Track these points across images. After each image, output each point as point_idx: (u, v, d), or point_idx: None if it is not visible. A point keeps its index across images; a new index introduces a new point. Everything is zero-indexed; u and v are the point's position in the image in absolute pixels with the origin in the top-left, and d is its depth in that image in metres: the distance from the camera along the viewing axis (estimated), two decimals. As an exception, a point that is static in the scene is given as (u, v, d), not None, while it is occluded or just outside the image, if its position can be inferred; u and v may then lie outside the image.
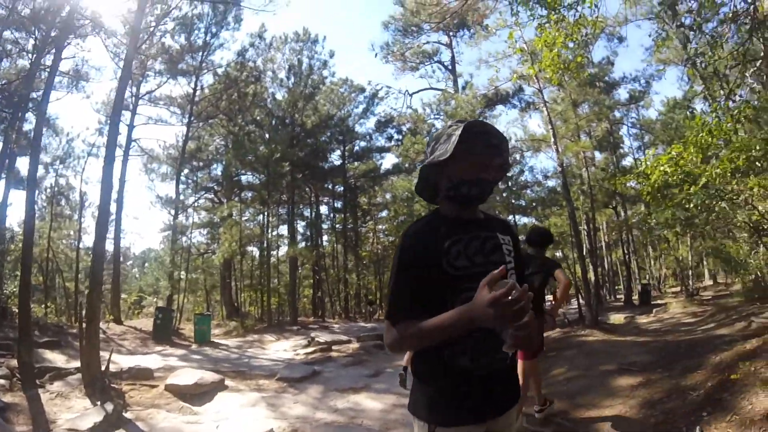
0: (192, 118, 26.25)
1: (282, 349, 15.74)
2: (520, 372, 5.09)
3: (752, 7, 7.24)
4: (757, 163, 8.40)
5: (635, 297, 26.83)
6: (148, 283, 40.66)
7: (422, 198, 1.95)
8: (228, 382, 9.38)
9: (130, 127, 23.66)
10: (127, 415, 6.78)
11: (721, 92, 9.22)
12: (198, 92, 26.53)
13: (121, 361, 10.61)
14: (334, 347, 14.59)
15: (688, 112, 10.06)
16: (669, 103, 29.14)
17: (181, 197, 26.15)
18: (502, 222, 1.95)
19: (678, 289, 30.81)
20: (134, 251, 59.02)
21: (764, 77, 9.71)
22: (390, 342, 1.64)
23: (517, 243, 1.89)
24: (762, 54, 9.07)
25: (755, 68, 8.52)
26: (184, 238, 26.25)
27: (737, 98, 7.95)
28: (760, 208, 9.91)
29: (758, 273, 14.40)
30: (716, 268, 30.98)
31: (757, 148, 8.01)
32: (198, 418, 7.07)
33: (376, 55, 27.84)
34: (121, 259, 28.67)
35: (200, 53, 25.77)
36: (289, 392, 8.92)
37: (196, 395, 8.19)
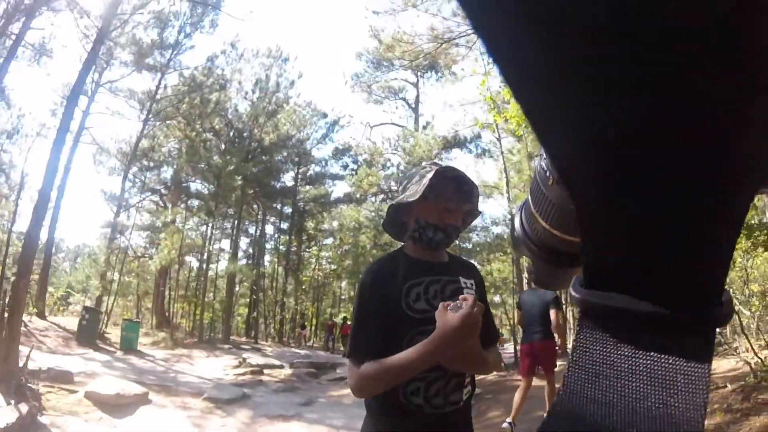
0: (150, 116, 25.65)
1: (211, 367, 15.19)
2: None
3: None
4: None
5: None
6: (78, 280, 38.79)
7: (388, 234, 1.94)
8: (152, 396, 8.95)
9: (85, 113, 22.94)
10: (42, 419, 6.37)
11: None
12: (160, 90, 25.99)
13: (41, 360, 9.97)
14: (265, 371, 14.20)
15: None
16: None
17: (126, 195, 25.40)
18: (467, 265, 1.96)
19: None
20: (68, 244, 56.94)
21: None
22: (355, 384, 1.58)
23: (480, 286, 1.86)
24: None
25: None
26: (122, 238, 25.38)
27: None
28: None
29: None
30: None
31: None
32: (117, 432, 6.69)
33: (346, 82, 27.86)
34: (54, 250, 27.32)
35: (170, 51, 25.37)
36: (216, 414, 8.58)
37: (117, 407, 7.77)
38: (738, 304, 11.21)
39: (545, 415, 0.32)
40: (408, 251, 1.79)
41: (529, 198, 0.50)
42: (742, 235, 8.90)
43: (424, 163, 1.81)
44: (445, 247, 1.80)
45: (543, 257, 0.51)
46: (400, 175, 24.89)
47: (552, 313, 6.49)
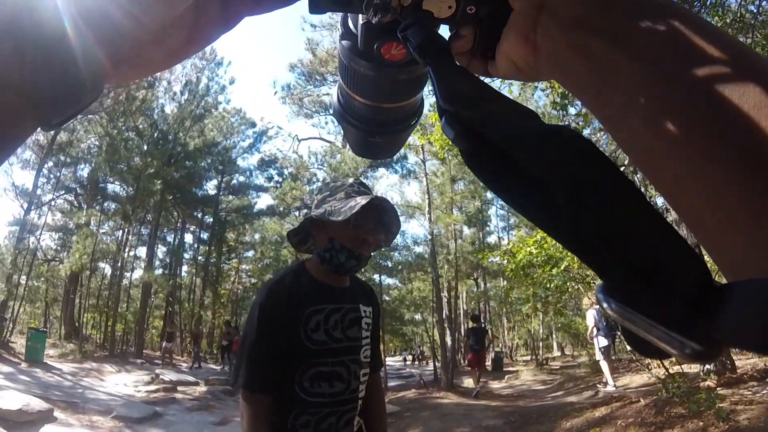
0: (71, 107, 24.38)
1: (122, 383, 14.56)
2: None
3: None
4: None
5: (488, 363, 28.00)
6: (-20, 281, 36.27)
7: (290, 242, 1.90)
8: (57, 413, 8.56)
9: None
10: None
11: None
12: (86, 82, 24.77)
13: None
14: (179, 388, 13.75)
15: None
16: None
17: (39, 192, 24.04)
18: (367, 290, 1.95)
19: (528, 357, 32.65)
20: None
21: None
22: (245, 428, 1.55)
23: (377, 313, 1.89)
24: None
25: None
26: (32, 239, 24.07)
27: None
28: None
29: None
30: (565, 340, 33.20)
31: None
32: (17, 453, 6.36)
33: (275, 93, 27.54)
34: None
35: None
36: (126, 433, 8.29)
37: (19, 423, 7.43)
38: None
39: None
40: (311, 270, 1.74)
41: (339, 78, 0.58)
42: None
43: (351, 180, 1.80)
44: (353, 274, 1.80)
45: (361, 128, 0.59)
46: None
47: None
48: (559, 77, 0.39)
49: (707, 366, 8.50)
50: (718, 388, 7.58)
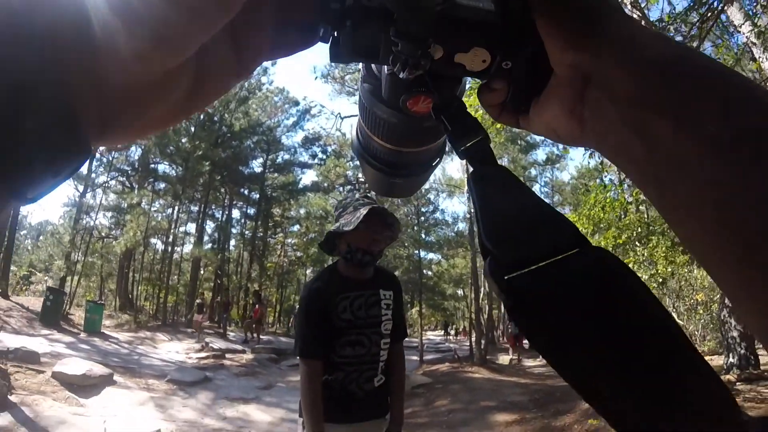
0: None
1: (174, 350, 15.46)
2: None
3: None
4: (636, 242, 9.44)
5: (526, 342, 28.12)
6: (41, 259, 37.91)
7: (323, 250, 2.46)
8: (117, 377, 9.29)
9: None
10: (12, 398, 6.67)
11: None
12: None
13: (6, 340, 10.21)
14: (227, 355, 14.54)
15: (585, 188, 11.08)
16: (581, 169, 31.38)
17: (93, 175, 25.11)
18: (389, 277, 2.50)
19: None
20: (30, 221, 55.05)
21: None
22: (301, 382, 2.18)
23: (398, 293, 2.44)
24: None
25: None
26: (87, 218, 25.16)
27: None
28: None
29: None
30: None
31: (639, 230, 9.03)
32: (85, 411, 7.06)
33: (316, 78, 27.71)
34: (17, 227, 27.01)
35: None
36: (179, 395, 8.96)
37: (83, 387, 8.10)
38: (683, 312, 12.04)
39: None
40: (340, 268, 2.33)
41: (360, 117, 0.55)
42: (678, 250, 9.64)
43: (357, 195, 2.38)
44: (370, 267, 2.34)
45: (381, 169, 0.56)
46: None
47: None
48: (610, 156, 0.36)
49: (731, 360, 8.57)
50: (737, 383, 7.70)
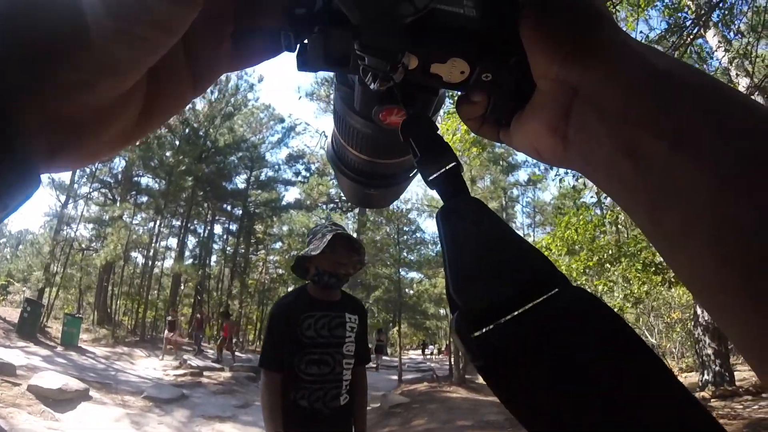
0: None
1: (152, 366, 15.31)
2: None
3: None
4: (606, 264, 9.67)
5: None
6: (19, 269, 37.24)
7: (295, 274, 2.58)
8: (93, 392, 9.25)
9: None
10: (-13, 411, 6.65)
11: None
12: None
13: (-18, 352, 10.14)
14: (205, 373, 14.40)
15: (558, 211, 11.37)
16: (561, 189, 31.91)
17: (75, 186, 24.94)
18: (356, 303, 2.66)
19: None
20: (10, 229, 53.88)
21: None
22: (261, 398, 2.33)
23: (363, 319, 2.60)
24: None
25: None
26: (68, 229, 25.02)
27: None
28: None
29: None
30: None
31: (610, 252, 9.27)
32: (59, 426, 7.04)
33: (300, 98, 27.92)
34: (-4, 235, 26.66)
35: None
36: (155, 413, 8.93)
37: (59, 401, 8.06)
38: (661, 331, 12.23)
39: None
40: (309, 290, 2.48)
41: (334, 126, 0.53)
42: (650, 271, 9.85)
43: (326, 223, 2.63)
44: (336, 289, 2.51)
45: (355, 180, 0.55)
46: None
47: None
48: (596, 177, 0.34)
49: (705, 377, 8.75)
50: (711, 400, 7.87)
